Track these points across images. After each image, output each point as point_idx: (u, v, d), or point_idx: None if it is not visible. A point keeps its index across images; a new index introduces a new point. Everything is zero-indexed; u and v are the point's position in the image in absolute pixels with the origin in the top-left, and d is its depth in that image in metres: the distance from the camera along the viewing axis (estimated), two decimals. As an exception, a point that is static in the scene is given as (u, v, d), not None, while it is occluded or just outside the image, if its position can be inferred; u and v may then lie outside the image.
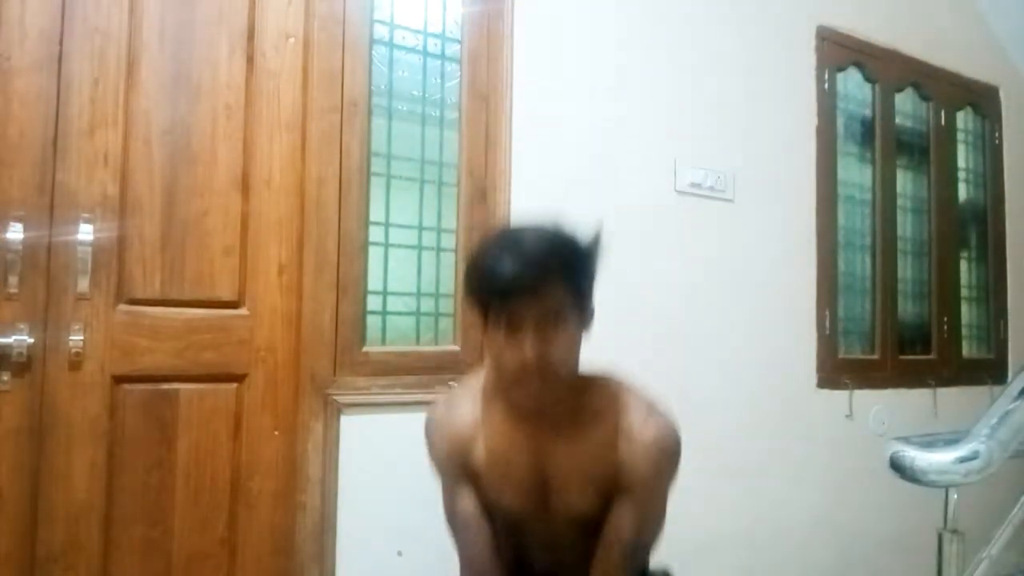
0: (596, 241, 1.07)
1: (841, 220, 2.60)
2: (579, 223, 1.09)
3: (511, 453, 1.11)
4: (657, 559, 1.23)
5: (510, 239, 1.03)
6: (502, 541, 1.17)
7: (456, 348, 1.86)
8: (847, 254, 2.64)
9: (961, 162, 3.06)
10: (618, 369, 1.21)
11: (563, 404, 1.09)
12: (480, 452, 1.13)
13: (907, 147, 2.89)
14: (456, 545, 1.19)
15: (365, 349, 1.75)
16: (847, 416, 2.51)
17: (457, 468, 1.15)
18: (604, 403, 1.12)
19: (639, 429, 1.09)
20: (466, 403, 1.18)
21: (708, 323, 2.24)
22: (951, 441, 1.06)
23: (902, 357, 2.75)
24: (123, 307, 1.51)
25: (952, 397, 2.75)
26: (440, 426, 1.20)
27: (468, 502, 1.15)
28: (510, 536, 1.17)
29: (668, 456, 1.11)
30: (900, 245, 2.80)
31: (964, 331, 3.01)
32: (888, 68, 2.76)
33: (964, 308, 3.03)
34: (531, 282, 0.98)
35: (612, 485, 1.10)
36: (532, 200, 1.92)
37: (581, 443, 1.10)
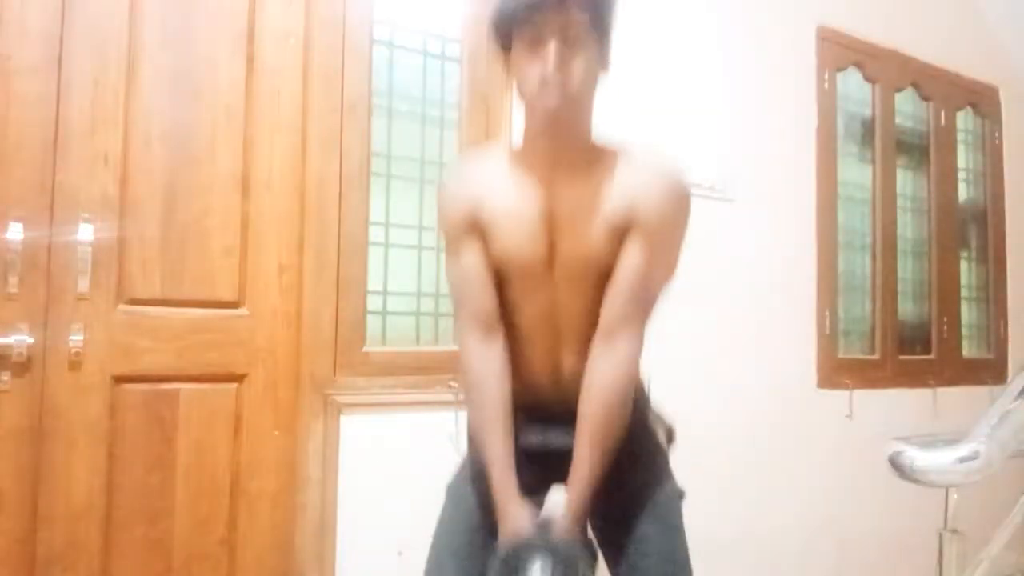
0: None
1: (841, 220, 2.60)
2: None
3: (521, 203, 1.12)
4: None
5: None
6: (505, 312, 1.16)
7: (456, 348, 1.86)
8: (847, 254, 2.64)
9: (961, 162, 3.06)
10: None
11: (575, 150, 1.10)
12: (490, 204, 1.13)
13: (907, 147, 2.89)
14: (461, 304, 1.17)
15: (365, 349, 1.75)
16: (847, 416, 2.51)
17: (466, 223, 1.14)
18: (616, 152, 1.13)
19: (649, 170, 1.12)
20: (483, 161, 1.21)
21: (707, 323, 2.23)
22: (951, 441, 1.06)
23: (902, 357, 2.75)
24: (123, 307, 1.51)
25: (952, 397, 2.75)
26: (454, 181, 1.22)
27: (475, 257, 1.14)
28: (513, 309, 1.16)
29: (678, 191, 1.14)
30: (900, 245, 2.80)
31: (964, 331, 3.01)
32: (888, 68, 2.76)
33: (964, 308, 3.03)
34: None
35: (620, 225, 1.09)
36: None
37: (589, 183, 1.10)
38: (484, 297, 1.14)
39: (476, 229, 1.14)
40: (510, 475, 1.08)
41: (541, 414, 1.17)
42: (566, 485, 1.08)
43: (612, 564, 1.15)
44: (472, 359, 1.14)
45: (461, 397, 1.77)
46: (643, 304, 1.13)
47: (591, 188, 1.10)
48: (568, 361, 1.15)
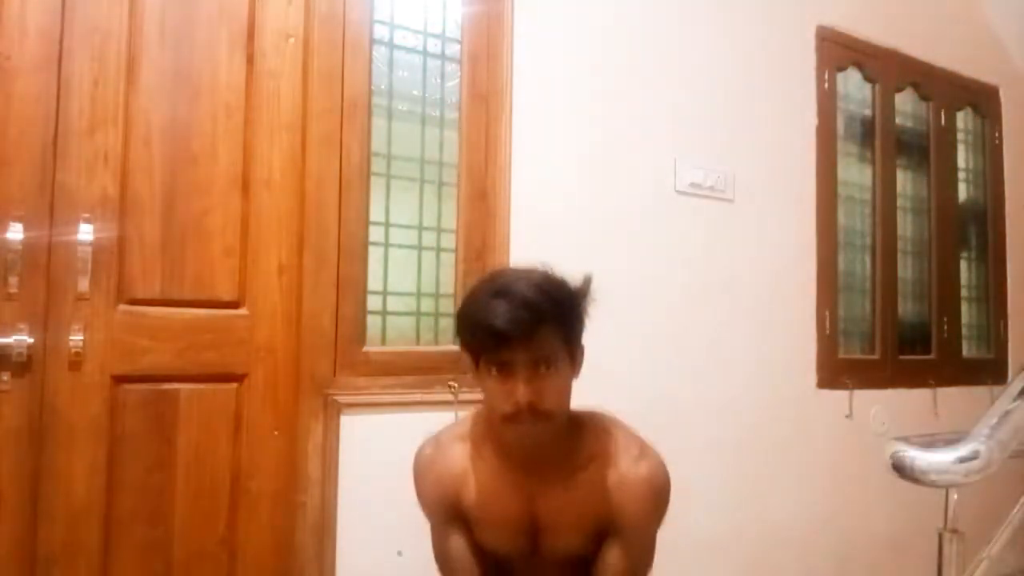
0: (586, 286, 1.10)
1: (841, 220, 2.60)
2: (569, 268, 1.10)
3: (502, 495, 1.13)
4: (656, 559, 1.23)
5: (501, 286, 1.05)
6: None
7: (456, 348, 1.85)
8: (847, 254, 2.64)
9: (961, 162, 3.06)
10: (606, 408, 1.22)
11: (554, 446, 1.11)
12: (471, 493, 1.14)
13: (907, 147, 2.88)
14: None
15: (365, 349, 1.75)
16: (847, 416, 2.51)
17: (448, 509, 1.17)
18: (594, 444, 1.14)
19: (629, 472, 1.12)
20: (456, 445, 1.20)
21: (708, 323, 2.23)
22: (951, 441, 1.06)
23: (902, 357, 2.75)
24: (123, 307, 1.51)
25: (952, 397, 2.75)
26: (430, 468, 1.21)
27: (459, 542, 1.16)
28: None
29: (658, 497, 1.13)
30: (900, 245, 2.80)
31: (964, 331, 3.01)
32: (888, 68, 2.76)
33: (964, 308, 3.03)
34: (524, 330, 1.00)
35: (602, 526, 1.12)
36: (532, 200, 1.93)
37: (572, 485, 1.11)
38: None
39: (459, 518, 1.16)
40: None
41: None
42: None
43: None
44: None
45: (461, 397, 1.77)
46: None
47: (572, 492, 1.11)
48: None
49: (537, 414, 1.03)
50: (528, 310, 1.00)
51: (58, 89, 1.46)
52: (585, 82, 2.05)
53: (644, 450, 1.15)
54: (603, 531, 1.12)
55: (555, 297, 1.04)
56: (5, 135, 1.41)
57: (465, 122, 1.90)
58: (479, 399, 1.17)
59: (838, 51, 2.60)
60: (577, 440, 1.14)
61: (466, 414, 1.29)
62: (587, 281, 1.10)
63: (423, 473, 1.22)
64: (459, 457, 1.17)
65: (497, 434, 1.13)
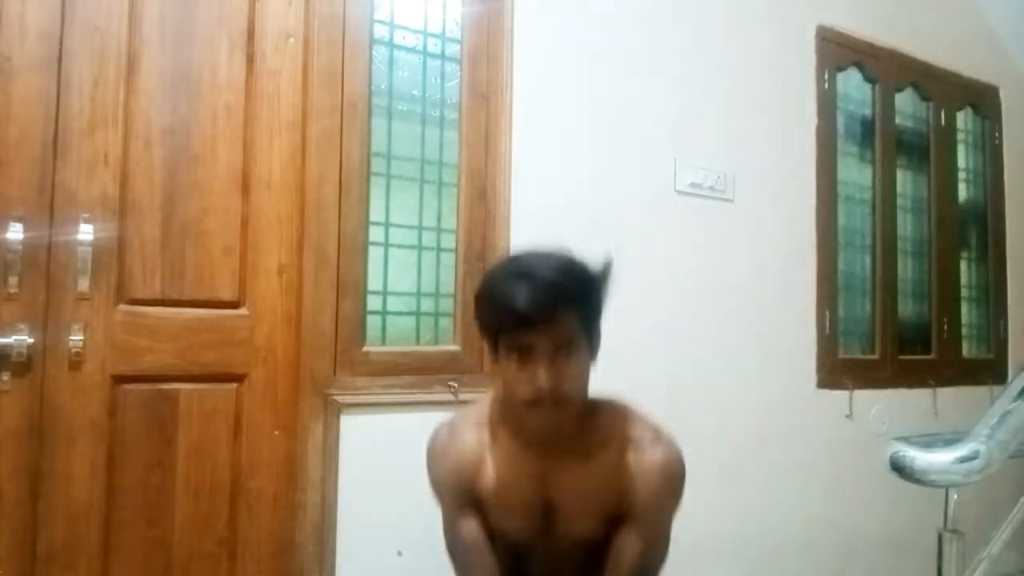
0: (606, 269, 1.08)
1: (841, 220, 2.60)
2: (586, 248, 1.09)
3: (518, 479, 1.12)
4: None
5: (523, 268, 1.03)
6: (504, 567, 1.17)
7: (456, 348, 1.86)
8: (847, 254, 2.64)
9: (961, 162, 3.06)
10: (623, 394, 1.21)
11: (571, 430, 1.10)
12: (486, 478, 1.13)
13: (907, 147, 2.88)
14: (458, 571, 1.19)
15: (365, 349, 1.75)
16: (847, 416, 2.51)
17: (463, 494, 1.15)
18: (610, 429, 1.13)
19: (645, 456, 1.11)
20: (470, 430, 1.19)
21: (708, 323, 2.23)
22: (951, 441, 1.06)
23: (902, 357, 2.75)
24: (123, 307, 1.51)
25: (952, 397, 2.75)
26: (445, 452, 1.20)
27: (473, 527, 1.15)
28: (513, 562, 1.17)
29: (673, 482, 1.13)
30: (900, 245, 2.80)
31: (964, 331, 3.01)
32: (888, 68, 2.76)
33: (964, 308, 3.03)
34: (545, 313, 0.99)
35: (617, 511, 1.11)
36: (532, 200, 1.93)
37: (587, 469, 1.11)
38: (485, 566, 1.15)
39: (473, 503, 1.15)
40: None
41: None
42: None
43: None
44: None
45: (461, 397, 1.77)
46: None
47: (588, 476, 1.11)
48: None
49: (558, 400, 1.02)
50: (551, 293, 0.99)
51: (58, 89, 1.46)
52: (585, 82, 2.05)
53: (659, 435, 1.14)
54: (618, 516, 1.11)
55: (578, 280, 1.03)
56: (5, 135, 1.41)
57: (465, 122, 1.90)
58: (479, 398, 1.17)
59: (838, 51, 2.60)
60: (593, 425, 1.13)
61: (481, 398, 1.27)
62: (608, 264, 1.08)
63: (438, 458, 1.20)
64: (474, 442, 1.16)
65: (514, 418, 1.12)
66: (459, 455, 1.17)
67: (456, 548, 1.19)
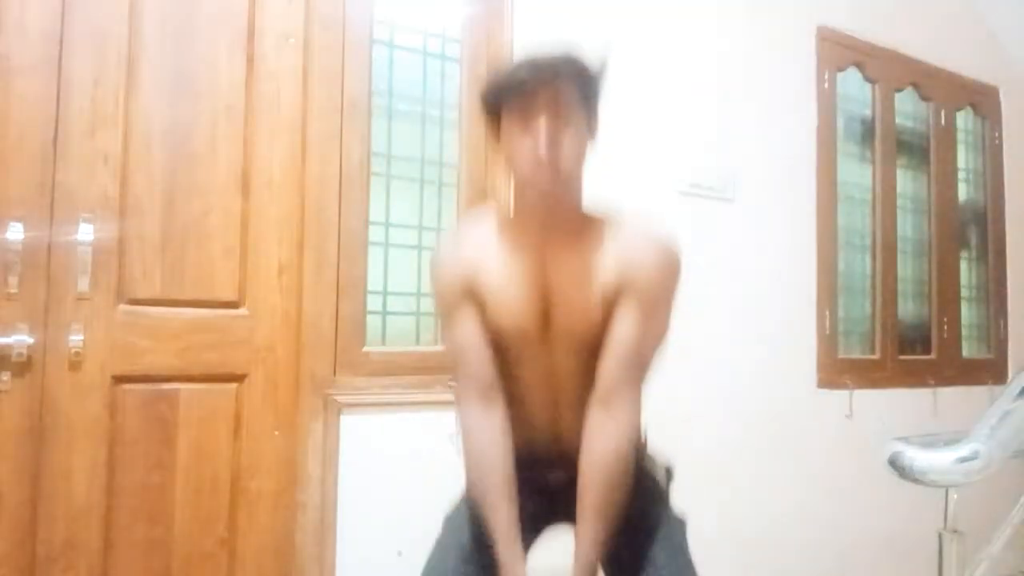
0: (603, 63, 1.11)
1: (841, 220, 2.60)
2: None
3: (517, 272, 1.13)
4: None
5: (523, 57, 1.10)
6: (502, 374, 1.17)
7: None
8: (847, 254, 2.64)
9: (961, 162, 3.06)
10: None
11: (568, 220, 1.13)
12: (486, 273, 1.14)
13: (907, 147, 2.89)
14: (460, 370, 1.18)
15: (365, 349, 1.75)
16: (847, 416, 2.51)
17: (464, 291, 1.15)
18: (605, 222, 1.16)
19: (638, 235, 1.14)
20: (473, 232, 1.21)
21: (708, 323, 2.23)
22: (951, 441, 1.06)
23: (902, 357, 2.75)
24: (123, 307, 1.51)
25: (952, 397, 2.75)
26: (448, 252, 1.23)
27: (473, 324, 1.15)
28: (511, 370, 1.17)
29: (667, 258, 1.16)
30: (900, 245, 2.80)
31: (964, 331, 3.01)
32: (888, 68, 2.76)
33: (964, 308, 3.03)
34: (544, 75, 1.05)
35: (615, 290, 1.11)
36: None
37: (584, 255, 1.12)
38: (483, 364, 1.15)
39: (473, 297, 1.15)
40: (515, 547, 1.08)
41: (542, 462, 1.19)
42: (574, 548, 1.09)
43: None
44: (473, 428, 1.15)
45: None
46: (638, 369, 1.15)
47: (584, 258, 1.12)
48: (567, 417, 1.17)
49: (557, 168, 1.06)
50: (550, 63, 1.05)
51: (58, 89, 1.46)
52: (585, 82, 2.05)
53: (653, 224, 1.18)
54: (615, 299, 1.11)
55: (575, 61, 1.08)
56: (5, 135, 1.41)
57: (465, 122, 1.90)
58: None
59: (838, 51, 2.60)
60: (589, 218, 1.16)
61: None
62: (604, 61, 1.12)
63: (440, 261, 1.22)
64: (476, 240, 1.19)
65: (515, 213, 1.17)
66: (461, 252, 1.19)
67: (457, 350, 1.19)
